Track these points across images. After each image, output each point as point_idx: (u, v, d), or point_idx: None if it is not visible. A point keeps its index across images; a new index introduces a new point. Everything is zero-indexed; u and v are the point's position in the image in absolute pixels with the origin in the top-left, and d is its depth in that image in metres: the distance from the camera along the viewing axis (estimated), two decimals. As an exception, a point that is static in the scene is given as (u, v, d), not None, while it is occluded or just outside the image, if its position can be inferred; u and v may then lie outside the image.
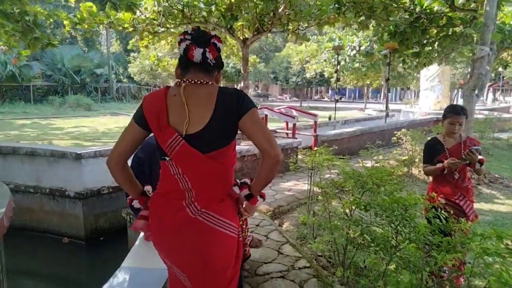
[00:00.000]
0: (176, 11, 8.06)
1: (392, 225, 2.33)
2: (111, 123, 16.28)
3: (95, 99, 28.49)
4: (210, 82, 1.50)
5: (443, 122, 3.07)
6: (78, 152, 5.47)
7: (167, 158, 1.47)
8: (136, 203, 1.63)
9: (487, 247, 1.57)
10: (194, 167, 1.44)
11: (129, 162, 1.99)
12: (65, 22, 7.96)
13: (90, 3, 7.31)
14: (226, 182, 1.53)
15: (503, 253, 1.56)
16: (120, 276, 1.92)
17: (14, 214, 3.13)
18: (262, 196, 1.60)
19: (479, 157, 2.85)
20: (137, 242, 2.33)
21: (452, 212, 2.67)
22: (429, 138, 3.44)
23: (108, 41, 36.17)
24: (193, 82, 1.47)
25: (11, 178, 5.81)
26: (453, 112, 2.96)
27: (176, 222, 1.45)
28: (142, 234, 2.47)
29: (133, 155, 2.48)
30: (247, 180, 1.58)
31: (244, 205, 1.59)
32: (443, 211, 2.37)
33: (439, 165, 2.94)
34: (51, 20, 7.39)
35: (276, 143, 1.48)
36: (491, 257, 1.63)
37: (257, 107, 1.52)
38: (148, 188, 1.79)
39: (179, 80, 1.51)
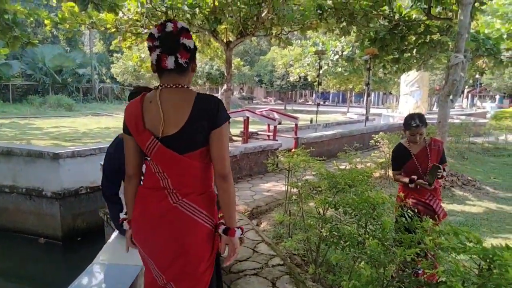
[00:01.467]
0: (159, 13, 8.06)
1: (360, 222, 2.43)
2: (92, 124, 16.07)
3: (76, 99, 28.05)
4: (185, 85, 1.55)
5: (405, 132, 3.17)
6: (56, 152, 5.42)
7: (149, 158, 1.56)
8: (125, 225, 1.70)
9: (441, 242, 1.67)
10: (172, 167, 1.51)
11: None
12: (46, 22, 7.87)
13: (71, 3, 7.24)
14: (206, 179, 1.59)
15: (457, 248, 1.66)
16: (92, 271, 1.95)
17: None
18: (241, 228, 1.62)
19: (441, 168, 2.99)
20: (110, 239, 2.36)
21: (417, 210, 2.78)
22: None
23: (91, 41, 35.69)
24: (168, 86, 1.52)
25: (-13, 177, 5.71)
26: (411, 126, 3.05)
27: (158, 210, 1.52)
28: (116, 232, 2.51)
29: (106, 149, 2.53)
30: (220, 221, 1.62)
31: (227, 243, 1.60)
32: (409, 210, 2.49)
33: (411, 185, 3.07)
34: (32, 19, 7.30)
35: (228, 163, 1.56)
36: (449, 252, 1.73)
37: (229, 120, 1.60)
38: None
39: (158, 86, 1.56)
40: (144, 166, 1.67)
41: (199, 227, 1.54)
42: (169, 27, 1.50)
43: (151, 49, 1.51)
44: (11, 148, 5.83)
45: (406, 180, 3.14)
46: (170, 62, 1.48)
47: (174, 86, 1.52)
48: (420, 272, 2.35)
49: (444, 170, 3.04)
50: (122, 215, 1.80)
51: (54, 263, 5.30)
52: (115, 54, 24.82)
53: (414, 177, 3.09)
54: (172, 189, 1.53)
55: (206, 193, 1.58)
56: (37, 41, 7.19)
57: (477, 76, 20.43)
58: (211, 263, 1.63)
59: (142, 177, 1.67)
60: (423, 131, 3.07)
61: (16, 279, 5.01)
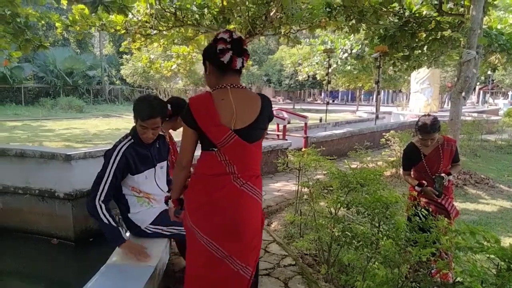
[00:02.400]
0: (168, 14, 8.10)
1: (373, 222, 2.40)
2: (103, 125, 16.23)
3: (87, 101, 28.35)
4: (244, 85, 1.85)
5: (416, 134, 3.13)
6: (68, 153, 5.46)
7: (215, 149, 1.75)
8: (170, 204, 1.98)
9: (458, 241, 1.64)
10: (241, 155, 1.77)
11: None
12: (57, 24, 7.96)
13: (82, 6, 7.31)
14: (259, 163, 1.92)
15: (474, 248, 1.63)
16: (105, 273, 1.96)
17: (2, 215, 3.15)
18: None
19: (445, 178, 2.96)
20: (123, 240, 2.36)
21: (431, 209, 2.74)
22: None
23: (101, 43, 36.03)
24: (236, 86, 1.78)
25: (0, 179, 5.79)
26: (423, 132, 3.01)
27: (226, 194, 1.75)
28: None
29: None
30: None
31: None
32: (423, 209, 2.45)
33: (417, 188, 3.04)
34: (43, 22, 7.39)
35: None
36: (466, 252, 1.69)
37: None
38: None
39: (223, 85, 1.77)
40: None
41: (258, 205, 1.85)
42: (235, 34, 1.77)
43: (223, 51, 1.73)
44: (24, 150, 5.90)
45: (415, 182, 3.10)
46: (239, 63, 1.75)
47: (240, 87, 1.80)
48: (433, 271, 2.31)
49: (450, 174, 3.03)
50: (165, 194, 2.20)
51: (67, 263, 5.34)
52: (124, 56, 25.04)
53: (424, 182, 3.05)
54: (237, 174, 1.76)
55: (260, 176, 1.88)
56: (48, 44, 7.27)
57: (489, 72, 20.10)
58: (260, 240, 1.98)
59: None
60: (434, 137, 3.03)
61: (29, 279, 5.07)
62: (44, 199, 5.79)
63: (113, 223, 2.23)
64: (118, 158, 2.30)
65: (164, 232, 2.41)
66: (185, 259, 1.94)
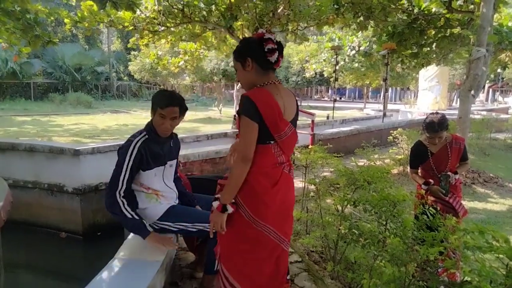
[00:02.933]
0: (176, 11, 8.11)
1: (380, 220, 2.40)
2: (111, 121, 16.34)
3: (95, 96, 28.55)
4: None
5: (424, 132, 3.10)
6: (77, 149, 5.53)
7: (272, 142, 1.87)
8: (230, 208, 1.85)
9: (466, 241, 1.63)
10: (291, 145, 1.97)
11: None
12: (66, 21, 8.01)
13: (90, 2, 7.35)
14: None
15: (483, 247, 1.62)
16: (113, 267, 1.98)
17: (12, 209, 3.19)
18: None
19: (452, 176, 2.94)
20: (130, 235, 2.39)
21: (439, 208, 2.72)
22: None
23: (109, 39, 36.22)
24: (278, 82, 1.94)
25: (10, 173, 5.86)
26: (430, 130, 2.98)
27: (282, 182, 1.92)
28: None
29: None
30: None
31: None
32: (431, 208, 2.44)
33: (424, 186, 3.03)
34: (52, 18, 7.44)
35: None
36: (474, 251, 1.68)
37: None
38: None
39: (270, 81, 1.90)
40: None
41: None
42: (274, 36, 1.91)
43: (272, 51, 1.87)
44: (33, 145, 5.98)
45: (422, 181, 3.09)
46: (281, 63, 1.95)
47: (279, 83, 1.95)
48: (439, 270, 2.30)
49: (456, 173, 3.01)
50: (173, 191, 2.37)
51: (75, 257, 5.42)
52: (132, 52, 25.11)
53: (431, 181, 3.03)
54: (286, 163, 1.96)
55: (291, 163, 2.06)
56: (57, 40, 7.33)
57: (499, 70, 19.84)
58: None
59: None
60: (442, 135, 2.99)
61: (38, 272, 5.15)
62: (53, 193, 5.86)
63: (136, 216, 2.26)
64: (135, 153, 2.30)
65: (171, 228, 2.42)
66: (226, 245, 1.97)
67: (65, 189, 5.66)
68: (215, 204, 1.87)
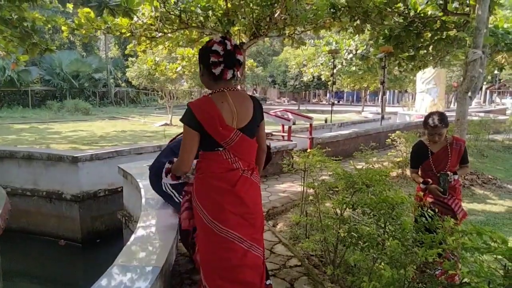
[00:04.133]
0: (173, 16, 8.14)
1: (379, 223, 2.40)
2: (109, 127, 16.33)
3: (93, 103, 28.54)
4: (238, 87, 2.05)
5: (424, 129, 3.12)
6: (75, 156, 5.53)
7: (221, 149, 1.90)
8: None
9: (465, 242, 1.63)
10: (245, 150, 1.95)
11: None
12: (63, 28, 8.04)
13: (87, 9, 7.38)
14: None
15: (481, 248, 1.62)
16: (112, 273, 1.97)
17: (11, 217, 3.18)
18: None
19: (450, 175, 2.94)
20: (129, 241, 2.38)
21: (437, 210, 2.72)
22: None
23: (107, 46, 36.27)
24: (231, 89, 1.93)
25: (9, 181, 5.86)
26: (430, 126, 3.00)
27: (240, 186, 1.91)
28: (134, 235, 2.53)
29: (156, 160, 2.68)
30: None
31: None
32: (429, 210, 2.44)
33: (422, 185, 3.04)
34: (50, 26, 7.47)
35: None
36: (473, 252, 1.68)
37: None
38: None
39: (220, 89, 1.91)
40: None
41: (260, 189, 2.08)
42: (228, 45, 1.88)
43: (215, 64, 1.87)
44: (31, 152, 5.98)
45: (421, 180, 3.10)
46: (229, 75, 1.90)
47: (234, 89, 1.95)
48: (438, 273, 2.30)
49: (455, 173, 3.01)
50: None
51: (74, 264, 5.39)
52: (130, 58, 25.10)
53: (429, 180, 3.04)
54: (243, 168, 1.94)
55: (255, 167, 2.05)
56: (55, 47, 7.36)
57: (495, 72, 19.93)
58: (264, 222, 2.17)
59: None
60: (442, 132, 2.99)
61: (37, 280, 5.12)
62: (52, 201, 5.86)
63: None
64: None
65: (175, 198, 2.66)
66: (200, 253, 2.04)
67: (63, 196, 5.66)
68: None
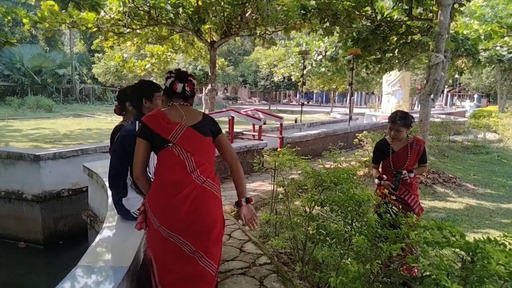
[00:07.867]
0: (142, 12, 7.98)
1: (346, 219, 2.46)
2: (73, 125, 15.76)
3: (56, 100, 27.46)
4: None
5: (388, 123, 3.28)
6: (37, 154, 5.30)
7: (171, 144, 1.92)
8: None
9: (426, 236, 1.70)
10: (196, 145, 1.95)
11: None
12: (25, 21, 7.68)
13: (51, 2, 7.09)
14: (213, 164, 2.08)
15: (441, 242, 1.70)
16: (76, 275, 1.90)
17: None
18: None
19: (406, 175, 3.11)
20: (94, 242, 2.31)
21: (394, 205, 2.83)
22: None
23: (72, 41, 35.01)
24: (182, 104, 2.05)
25: (-37, 181, 5.53)
26: (390, 120, 3.18)
27: (189, 192, 1.88)
28: (99, 235, 2.46)
29: (118, 135, 2.62)
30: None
31: (248, 211, 2.09)
32: (393, 206, 2.52)
33: (377, 181, 3.24)
34: (9, 18, 7.11)
35: (236, 156, 2.18)
36: (433, 246, 1.76)
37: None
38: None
39: (172, 103, 2.04)
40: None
41: (217, 199, 2.00)
42: (183, 70, 2.11)
43: (167, 78, 2.07)
44: (-11, 150, 5.66)
45: (377, 175, 3.24)
46: (179, 87, 2.03)
47: (188, 105, 2.07)
48: (401, 269, 2.39)
49: (411, 172, 3.18)
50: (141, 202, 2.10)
51: (35, 268, 5.17)
52: (96, 54, 24.41)
53: (384, 176, 3.19)
54: (197, 171, 1.92)
55: (216, 174, 2.04)
56: (15, 41, 7.02)
57: (456, 76, 20.90)
58: (222, 234, 2.09)
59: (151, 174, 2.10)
60: (399, 129, 3.15)
61: (-4, 285, 4.86)
62: (11, 201, 5.59)
63: None
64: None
65: (133, 214, 2.60)
66: (153, 258, 1.99)
67: (24, 196, 5.41)
68: None
